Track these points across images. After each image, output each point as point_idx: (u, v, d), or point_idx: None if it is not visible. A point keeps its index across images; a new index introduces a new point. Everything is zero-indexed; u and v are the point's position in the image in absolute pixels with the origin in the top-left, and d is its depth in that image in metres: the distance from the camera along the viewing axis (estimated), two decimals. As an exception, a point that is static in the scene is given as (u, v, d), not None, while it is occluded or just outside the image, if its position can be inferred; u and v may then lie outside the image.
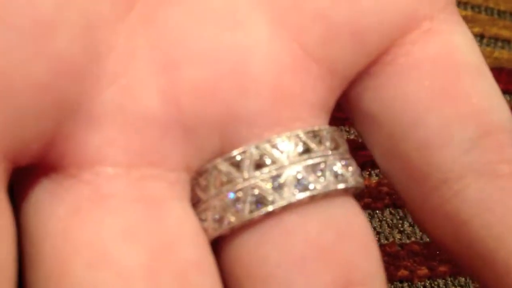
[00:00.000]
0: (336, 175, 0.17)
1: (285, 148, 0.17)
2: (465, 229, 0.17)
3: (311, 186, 0.17)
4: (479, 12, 0.33)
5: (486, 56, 0.32)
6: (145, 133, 0.16)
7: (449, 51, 0.18)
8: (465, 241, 0.17)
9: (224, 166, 0.17)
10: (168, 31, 0.17)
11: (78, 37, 0.16)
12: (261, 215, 0.17)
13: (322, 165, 0.17)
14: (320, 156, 0.17)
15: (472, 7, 0.33)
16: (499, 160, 0.17)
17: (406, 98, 0.18)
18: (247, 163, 0.17)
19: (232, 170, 0.17)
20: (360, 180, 0.18)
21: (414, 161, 0.18)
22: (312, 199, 0.17)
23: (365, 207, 0.27)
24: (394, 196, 0.28)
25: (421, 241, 0.27)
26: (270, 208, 0.17)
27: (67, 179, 0.16)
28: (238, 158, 0.17)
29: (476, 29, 0.32)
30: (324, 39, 0.17)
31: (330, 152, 0.17)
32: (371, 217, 0.27)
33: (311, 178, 0.17)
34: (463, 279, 0.27)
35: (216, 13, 0.17)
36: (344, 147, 0.18)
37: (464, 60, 0.18)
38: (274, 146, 0.17)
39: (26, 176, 0.16)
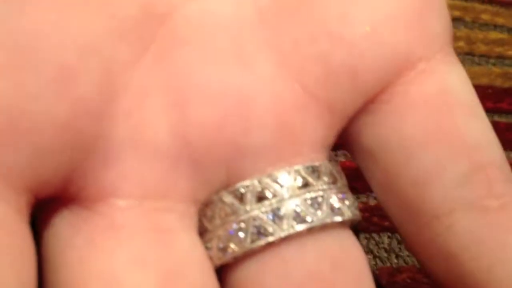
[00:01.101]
0: (333, 208, 0.18)
1: (285, 182, 0.17)
2: (456, 261, 0.18)
3: (308, 219, 0.17)
4: None
5: None
6: (156, 167, 0.17)
7: (444, 91, 0.19)
8: (456, 273, 0.18)
9: (228, 198, 0.18)
10: (179, 71, 0.17)
11: (97, 81, 0.16)
12: (261, 245, 0.17)
13: (320, 199, 0.18)
14: (318, 190, 0.18)
15: (508, 30, 0.33)
16: (488, 195, 0.18)
17: (401, 136, 0.18)
18: (249, 196, 0.17)
19: (236, 202, 0.17)
20: (357, 212, 0.18)
21: (408, 196, 0.18)
22: (310, 231, 0.17)
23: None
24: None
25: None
26: (270, 239, 0.17)
27: (84, 211, 0.17)
28: (242, 191, 0.17)
29: None
30: (323, 79, 0.18)
31: (328, 186, 0.18)
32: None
33: (309, 211, 0.17)
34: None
35: (224, 53, 0.18)
36: (342, 181, 0.18)
37: (458, 99, 0.19)
38: (275, 180, 0.17)
39: (48, 208, 0.17)
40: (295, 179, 0.17)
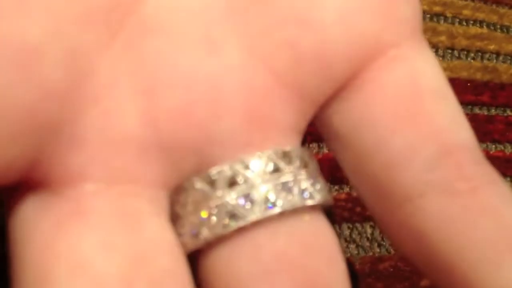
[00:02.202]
0: (304, 192, 0.17)
1: (256, 168, 0.17)
2: (427, 243, 0.17)
3: (279, 203, 0.17)
4: (495, 30, 0.33)
5: (503, 73, 0.32)
6: (125, 152, 0.17)
7: (413, 76, 0.18)
8: (427, 254, 0.17)
9: (199, 185, 0.17)
10: (148, 58, 0.17)
11: (62, 63, 0.16)
12: (233, 230, 0.17)
13: (291, 183, 0.17)
14: (289, 175, 0.17)
15: (488, 25, 0.33)
16: (458, 178, 0.17)
17: (371, 121, 0.18)
18: (221, 181, 0.17)
19: (207, 188, 0.17)
20: (328, 196, 0.18)
21: (380, 180, 0.18)
22: (281, 215, 0.17)
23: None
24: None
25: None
26: (241, 223, 0.17)
27: (51, 195, 0.16)
28: (213, 177, 0.17)
29: (492, 47, 0.32)
30: (293, 66, 0.18)
31: (299, 171, 0.18)
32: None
33: (280, 195, 0.17)
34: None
35: (193, 40, 0.17)
36: (312, 166, 0.18)
37: (427, 84, 0.18)
38: (246, 165, 0.17)
39: (14, 193, 0.17)
40: (266, 164, 0.17)
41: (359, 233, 0.28)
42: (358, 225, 0.28)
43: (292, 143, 0.18)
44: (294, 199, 0.17)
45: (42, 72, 0.15)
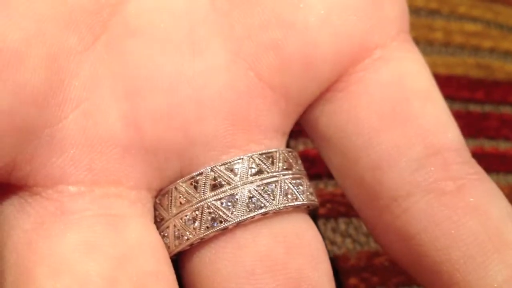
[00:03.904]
0: (287, 194, 0.17)
1: (239, 170, 0.17)
2: (414, 243, 0.17)
3: (262, 205, 0.16)
4: (490, 27, 0.32)
5: (498, 70, 0.31)
6: (107, 154, 0.16)
7: (399, 77, 0.18)
8: (414, 254, 0.17)
9: (183, 187, 0.17)
10: (131, 60, 0.17)
11: (43, 66, 0.15)
12: (216, 232, 0.16)
13: (273, 185, 0.17)
14: (272, 177, 0.17)
15: (483, 22, 0.32)
16: (445, 177, 0.17)
17: (358, 122, 0.17)
18: (204, 184, 0.17)
19: (191, 191, 0.17)
20: (312, 197, 0.17)
21: (367, 180, 0.17)
22: (264, 216, 0.16)
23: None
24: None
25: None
26: (224, 225, 0.16)
27: (33, 196, 0.16)
28: (196, 179, 0.17)
29: (488, 44, 0.32)
30: (277, 67, 0.17)
31: (282, 173, 0.17)
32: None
33: (263, 197, 0.17)
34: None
35: (177, 43, 0.17)
36: (297, 167, 0.18)
37: (413, 85, 0.18)
38: (228, 168, 0.17)
39: None
40: (249, 166, 0.17)
41: (355, 228, 0.27)
42: (354, 220, 0.27)
43: (276, 145, 0.17)
44: (277, 201, 0.17)
45: (22, 76, 0.15)
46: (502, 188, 0.25)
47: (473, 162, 0.18)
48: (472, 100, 0.30)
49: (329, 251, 0.24)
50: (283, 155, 0.17)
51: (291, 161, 0.17)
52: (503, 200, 0.17)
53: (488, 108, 0.30)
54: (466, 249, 0.16)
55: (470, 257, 0.16)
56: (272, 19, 0.17)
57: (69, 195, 0.16)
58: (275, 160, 0.17)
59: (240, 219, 0.16)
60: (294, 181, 0.17)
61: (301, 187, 0.17)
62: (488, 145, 0.29)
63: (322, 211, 0.24)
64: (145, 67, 0.16)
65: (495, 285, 0.16)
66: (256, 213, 0.16)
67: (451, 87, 0.30)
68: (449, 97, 0.30)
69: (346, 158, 0.18)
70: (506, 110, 0.31)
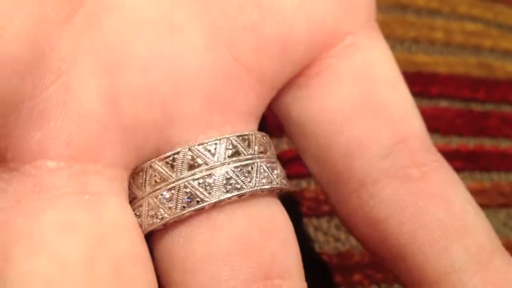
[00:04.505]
0: (262, 176, 0.17)
1: (216, 150, 0.16)
2: (381, 228, 0.17)
3: (238, 186, 0.16)
4: (490, 26, 0.32)
5: (498, 69, 0.31)
6: (86, 129, 0.16)
7: (368, 65, 0.18)
8: (381, 239, 0.17)
9: (159, 166, 0.16)
10: (109, 37, 0.16)
11: (23, 38, 0.15)
12: (191, 212, 0.16)
13: (250, 167, 0.17)
14: (248, 159, 0.17)
15: (483, 22, 0.32)
16: (410, 164, 0.17)
17: (329, 109, 0.18)
18: (180, 163, 0.16)
19: (167, 170, 0.16)
20: (285, 182, 0.17)
21: (337, 166, 0.17)
22: (240, 198, 0.16)
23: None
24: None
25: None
26: (200, 205, 0.16)
27: (11, 172, 0.16)
28: (173, 158, 0.16)
29: (488, 43, 0.31)
30: (254, 50, 0.17)
31: (258, 156, 0.17)
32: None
33: (240, 179, 0.16)
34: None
35: (155, 23, 0.17)
36: (271, 151, 0.18)
37: (381, 73, 0.18)
38: (205, 148, 0.16)
39: None
40: (226, 148, 0.16)
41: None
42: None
43: (250, 128, 0.17)
44: (253, 183, 0.16)
45: (2, 47, 0.15)
46: (503, 187, 0.25)
47: (434, 150, 0.18)
48: (473, 99, 0.30)
49: (333, 248, 0.24)
50: (258, 138, 0.17)
51: (265, 145, 0.17)
52: (462, 187, 0.17)
53: (489, 107, 0.30)
54: (430, 233, 0.16)
55: (433, 241, 0.16)
56: (249, 2, 0.17)
57: (48, 171, 0.16)
58: (251, 143, 0.17)
59: (218, 199, 0.16)
60: (269, 165, 0.17)
61: (275, 171, 0.17)
62: (489, 143, 0.29)
63: (326, 208, 0.24)
64: (124, 44, 0.16)
65: (456, 267, 0.16)
66: (233, 194, 0.16)
67: (453, 86, 0.30)
68: (450, 96, 0.30)
69: (317, 144, 0.18)
70: (506, 109, 0.30)
